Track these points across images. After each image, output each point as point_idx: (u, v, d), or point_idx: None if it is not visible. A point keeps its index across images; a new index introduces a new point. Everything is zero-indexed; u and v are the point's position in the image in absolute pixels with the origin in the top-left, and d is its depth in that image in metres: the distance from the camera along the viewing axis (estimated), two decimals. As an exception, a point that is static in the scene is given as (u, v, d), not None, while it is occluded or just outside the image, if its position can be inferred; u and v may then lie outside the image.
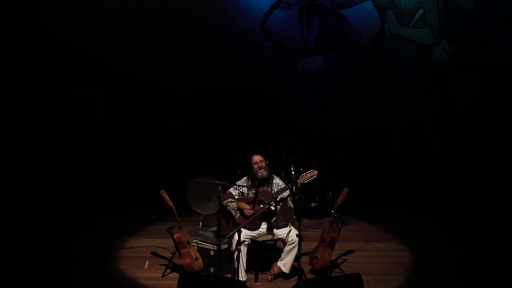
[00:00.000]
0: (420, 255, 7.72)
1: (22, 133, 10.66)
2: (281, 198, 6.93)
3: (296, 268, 6.78)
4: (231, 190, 7.03)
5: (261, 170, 6.92)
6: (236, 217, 6.88)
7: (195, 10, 10.59)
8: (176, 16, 10.55)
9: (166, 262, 7.27)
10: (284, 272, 6.92)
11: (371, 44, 10.75)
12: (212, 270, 7.00)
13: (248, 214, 6.82)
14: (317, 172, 6.82)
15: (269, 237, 7.00)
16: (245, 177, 7.13)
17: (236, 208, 6.88)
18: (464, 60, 10.71)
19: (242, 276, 6.58)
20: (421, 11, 10.68)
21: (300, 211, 6.76)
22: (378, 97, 10.79)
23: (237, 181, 7.17)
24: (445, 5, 10.65)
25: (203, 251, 7.12)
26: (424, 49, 10.76)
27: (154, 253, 7.80)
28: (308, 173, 6.80)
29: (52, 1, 10.66)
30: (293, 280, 6.76)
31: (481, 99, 10.63)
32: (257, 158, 6.96)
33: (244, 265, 6.67)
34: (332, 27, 10.76)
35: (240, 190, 7.02)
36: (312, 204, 9.31)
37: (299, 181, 6.75)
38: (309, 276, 7.02)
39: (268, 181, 6.97)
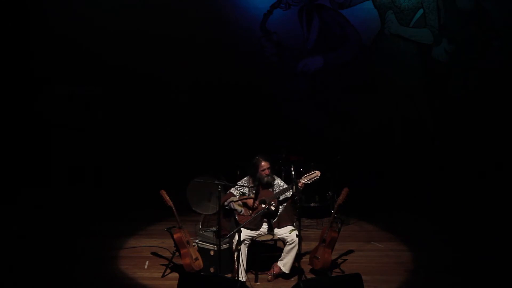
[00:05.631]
0: (420, 255, 7.72)
1: (21, 133, 10.65)
2: (284, 198, 6.97)
3: (296, 268, 6.78)
4: (232, 190, 7.06)
5: (268, 177, 6.96)
6: (241, 212, 6.89)
7: (195, 10, 10.59)
8: (176, 16, 10.55)
9: (166, 262, 7.27)
10: (284, 272, 6.92)
11: (371, 44, 10.76)
12: (212, 270, 7.00)
13: (252, 206, 6.84)
14: (319, 172, 6.90)
15: (269, 237, 7.00)
16: (246, 177, 7.14)
17: (241, 204, 6.90)
18: (464, 60, 10.72)
19: (242, 276, 6.58)
20: (421, 11, 10.68)
21: (300, 211, 6.77)
22: (378, 97, 10.80)
23: (237, 181, 7.18)
24: (445, 5, 10.65)
25: (203, 251, 7.12)
26: (424, 49, 10.76)
27: (154, 253, 7.80)
28: (310, 174, 6.88)
29: (52, 1, 10.66)
30: (293, 280, 6.76)
31: (481, 99, 10.63)
32: (265, 164, 6.98)
33: (244, 265, 6.67)
34: (332, 27, 10.76)
35: (241, 190, 7.04)
36: (312, 204, 9.31)
37: (302, 181, 6.82)
38: (309, 276, 7.02)
39: (269, 187, 7.00)
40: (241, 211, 6.91)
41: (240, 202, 6.94)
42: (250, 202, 6.93)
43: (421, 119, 10.91)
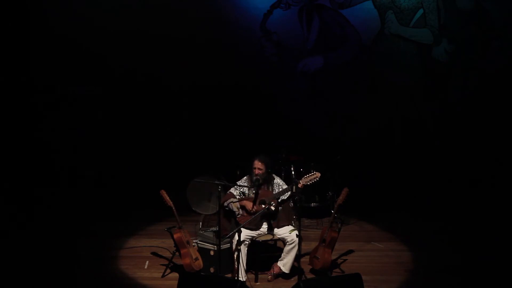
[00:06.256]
0: (420, 255, 7.72)
1: (22, 133, 10.65)
2: (282, 200, 6.96)
3: (296, 268, 6.78)
4: (232, 190, 7.06)
5: (257, 176, 6.94)
6: (238, 215, 6.90)
7: (195, 10, 10.58)
8: (176, 16, 10.55)
9: (166, 262, 7.28)
10: (284, 272, 6.92)
11: (371, 44, 10.75)
12: (212, 270, 7.00)
13: (250, 211, 6.84)
14: (319, 174, 6.88)
15: (269, 237, 7.01)
16: (245, 177, 7.14)
17: (239, 206, 6.90)
18: (464, 60, 10.72)
19: (242, 276, 6.58)
20: (421, 11, 10.68)
21: (300, 211, 6.77)
22: (378, 97, 10.79)
23: (237, 181, 7.18)
24: (445, 5, 10.65)
25: (203, 251, 7.12)
26: (424, 49, 10.76)
27: (154, 253, 7.80)
28: (310, 175, 6.87)
29: (52, 1, 10.66)
30: (293, 280, 6.76)
31: (481, 99, 10.63)
32: (256, 164, 6.98)
33: (244, 265, 6.67)
34: (332, 27, 10.76)
35: (241, 190, 7.04)
36: (312, 204, 9.31)
37: (302, 182, 6.81)
38: (309, 276, 7.03)
39: (261, 186, 6.98)
40: (239, 214, 6.91)
41: (238, 204, 6.93)
42: (249, 202, 6.93)
43: (421, 119, 10.90)
